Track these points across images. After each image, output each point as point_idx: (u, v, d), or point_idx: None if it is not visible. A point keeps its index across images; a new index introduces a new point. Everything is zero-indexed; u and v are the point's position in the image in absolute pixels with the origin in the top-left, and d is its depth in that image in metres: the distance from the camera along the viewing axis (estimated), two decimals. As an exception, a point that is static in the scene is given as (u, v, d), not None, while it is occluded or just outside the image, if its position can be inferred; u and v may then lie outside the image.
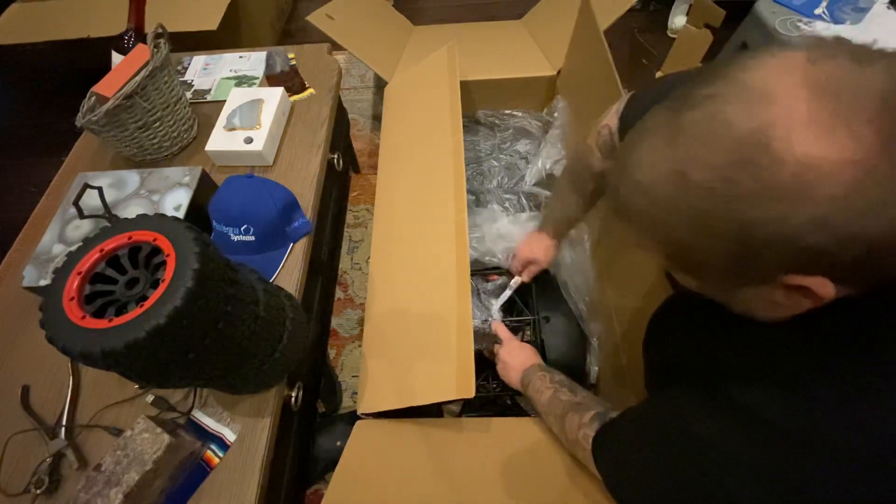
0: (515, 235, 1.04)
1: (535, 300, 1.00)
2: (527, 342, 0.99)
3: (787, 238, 0.27)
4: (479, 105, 1.42)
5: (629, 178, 0.34)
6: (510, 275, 1.03)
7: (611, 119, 0.66)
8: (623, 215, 0.36)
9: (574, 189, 0.80)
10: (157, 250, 0.46)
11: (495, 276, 1.07)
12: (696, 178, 0.29)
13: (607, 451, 0.52)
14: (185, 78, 1.13)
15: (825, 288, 0.29)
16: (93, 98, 0.88)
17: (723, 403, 0.38)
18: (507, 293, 0.98)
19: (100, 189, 0.81)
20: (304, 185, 0.91)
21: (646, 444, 0.45)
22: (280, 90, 0.99)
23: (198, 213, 0.82)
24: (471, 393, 0.66)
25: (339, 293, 1.27)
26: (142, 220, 0.48)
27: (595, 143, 0.69)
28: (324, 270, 1.08)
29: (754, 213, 0.28)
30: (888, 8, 1.14)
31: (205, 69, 1.14)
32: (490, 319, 0.99)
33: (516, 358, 0.81)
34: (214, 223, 0.80)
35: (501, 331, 0.88)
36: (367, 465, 0.75)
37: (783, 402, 0.35)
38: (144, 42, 0.93)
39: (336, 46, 1.21)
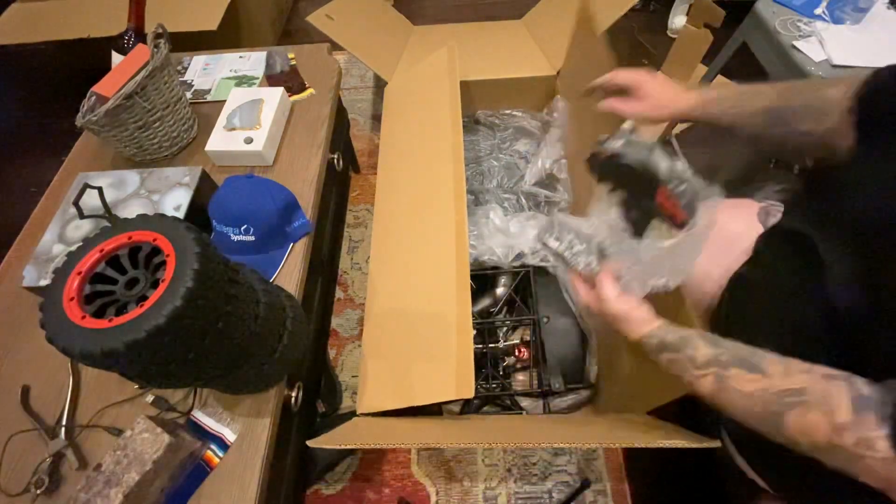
0: (513, 231, 1.03)
1: (535, 300, 1.00)
2: (526, 342, 0.99)
3: None
4: (479, 105, 1.41)
5: None
6: (509, 274, 1.02)
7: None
8: None
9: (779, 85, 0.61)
10: (157, 250, 0.46)
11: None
12: None
13: None
14: (185, 78, 1.13)
15: None
16: (93, 98, 0.88)
17: None
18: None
19: (100, 189, 0.81)
20: (304, 185, 0.91)
21: None
22: (280, 90, 0.99)
23: (198, 213, 0.82)
24: (470, 393, 0.66)
25: (339, 293, 1.27)
26: (142, 220, 0.48)
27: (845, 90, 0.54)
28: (324, 270, 1.08)
29: None
30: (888, 8, 1.14)
31: (205, 69, 1.14)
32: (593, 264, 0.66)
33: (634, 317, 0.60)
34: (214, 223, 0.80)
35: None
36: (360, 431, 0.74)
37: None
38: (144, 42, 0.93)
39: (336, 46, 1.21)
